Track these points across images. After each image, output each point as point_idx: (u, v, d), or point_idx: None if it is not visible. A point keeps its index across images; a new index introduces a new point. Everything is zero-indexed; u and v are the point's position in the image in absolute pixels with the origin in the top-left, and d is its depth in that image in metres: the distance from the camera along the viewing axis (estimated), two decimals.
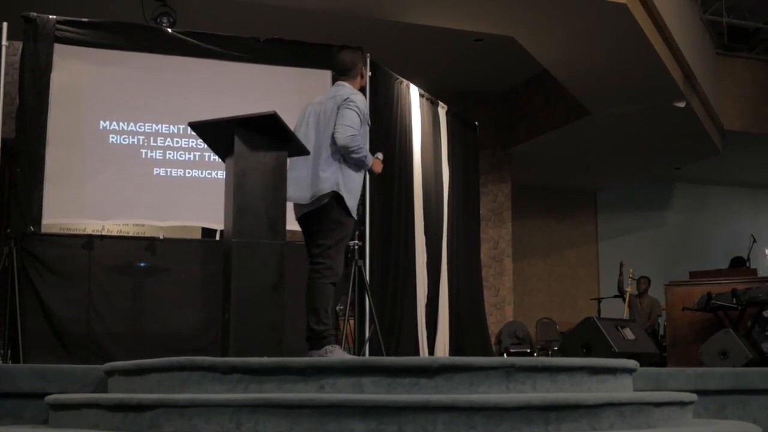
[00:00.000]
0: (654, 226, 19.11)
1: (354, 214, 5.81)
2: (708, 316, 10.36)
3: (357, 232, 8.15)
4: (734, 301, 9.89)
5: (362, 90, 6.25)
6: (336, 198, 5.73)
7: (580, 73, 12.13)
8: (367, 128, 5.92)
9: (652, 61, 11.33)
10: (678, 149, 15.61)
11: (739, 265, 13.35)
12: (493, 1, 9.80)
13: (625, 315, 12.70)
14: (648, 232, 19.07)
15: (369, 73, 8.85)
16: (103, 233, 8.17)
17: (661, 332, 12.86)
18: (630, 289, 12.97)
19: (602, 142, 15.05)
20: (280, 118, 5.65)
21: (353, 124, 5.69)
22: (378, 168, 6.03)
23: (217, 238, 8.26)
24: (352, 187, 5.77)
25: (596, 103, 13.21)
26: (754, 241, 13.51)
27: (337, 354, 5.54)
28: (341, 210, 5.75)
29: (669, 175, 18.69)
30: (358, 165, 5.79)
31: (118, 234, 9.04)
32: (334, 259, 5.71)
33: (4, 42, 7.95)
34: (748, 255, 13.44)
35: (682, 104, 12.68)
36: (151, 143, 8.37)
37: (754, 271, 12.03)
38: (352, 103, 5.75)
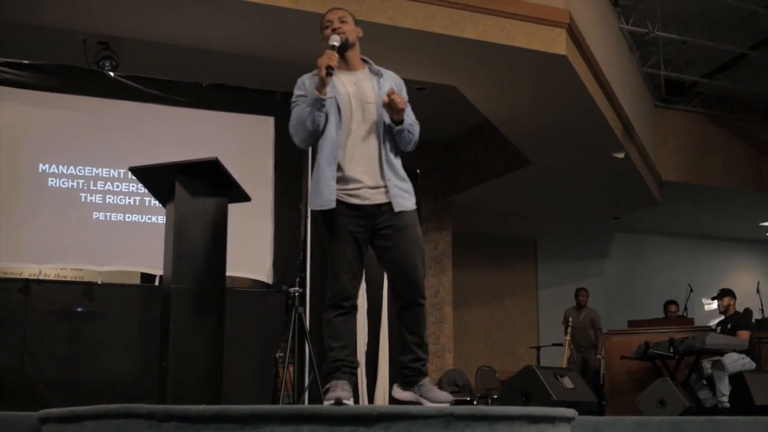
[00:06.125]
0: (593, 275, 19.25)
1: (328, 204, 4.75)
2: (646, 365, 10.47)
3: (297, 279, 8.13)
4: (672, 350, 10.01)
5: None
6: None
7: (520, 123, 12.24)
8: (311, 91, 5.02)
9: (591, 113, 11.48)
10: (617, 199, 15.83)
11: (670, 304, 13.74)
12: (435, 51, 9.88)
13: (566, 353, 12.85)
14: (587, 281, 19.12)
15: None
16: (41, 277, 8.07)
17: (601, 381, 12.97)
18: (569, 337, 13.10)
19: (542, 191, 15.18)
20: (221, 164, 5.67)
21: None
22: (324, 61, 4.91)
23: (156, 283, 8.18)
24: (314, 183, 4.83)
25: (536, 152, 13.33)
26: (692, 290, 13.68)
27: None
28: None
29: (608, 225, 18.92)
30: (308, 129, 4.92)
31: (56, 278, 8.87)
32: (330, 279, 4.69)
33: None
34: (686, 305, 13.61)
35: (621, 155, 12.86)
36: (91, 187, 8.27)
37: (691, 321, 12.18)
38: None
